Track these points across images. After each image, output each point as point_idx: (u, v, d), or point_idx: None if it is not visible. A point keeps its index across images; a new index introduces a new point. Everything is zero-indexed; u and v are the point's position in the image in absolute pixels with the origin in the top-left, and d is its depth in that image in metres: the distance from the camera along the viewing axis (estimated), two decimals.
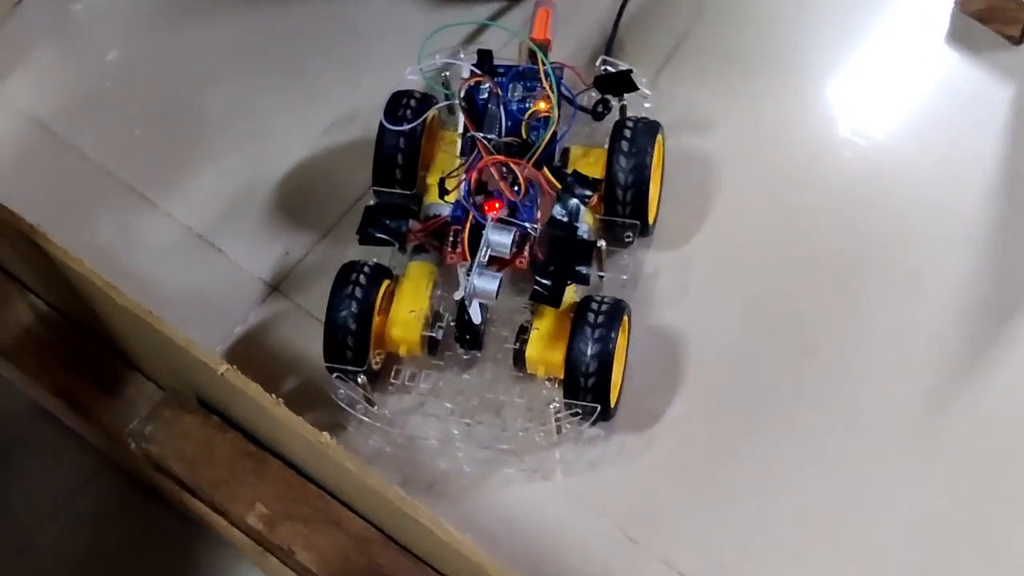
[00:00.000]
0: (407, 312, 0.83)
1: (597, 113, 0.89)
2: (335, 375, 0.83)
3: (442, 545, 0.74)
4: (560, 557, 0.82)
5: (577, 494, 0.83)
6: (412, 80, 0.90)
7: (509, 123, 0.86)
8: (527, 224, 0.83)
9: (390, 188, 0.87)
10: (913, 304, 0.89)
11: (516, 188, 0.83)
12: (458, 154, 0.87)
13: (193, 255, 0.94)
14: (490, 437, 0.84)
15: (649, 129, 0.87)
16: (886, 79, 0.97)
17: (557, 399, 0.83)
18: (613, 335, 0.81)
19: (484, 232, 0.81)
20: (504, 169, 0.84)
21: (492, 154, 0.84)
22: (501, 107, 0.86)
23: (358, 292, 0.82)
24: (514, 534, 0.82)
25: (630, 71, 0.88)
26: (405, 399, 0.86)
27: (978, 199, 0.93)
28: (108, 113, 1.00)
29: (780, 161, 0.95)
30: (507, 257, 0.82)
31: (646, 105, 0.90)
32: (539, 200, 0.84)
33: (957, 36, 0.98)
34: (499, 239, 0.82)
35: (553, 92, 0.86)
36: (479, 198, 0.83)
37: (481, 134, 0.85)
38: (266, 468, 0.82)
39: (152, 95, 1.00)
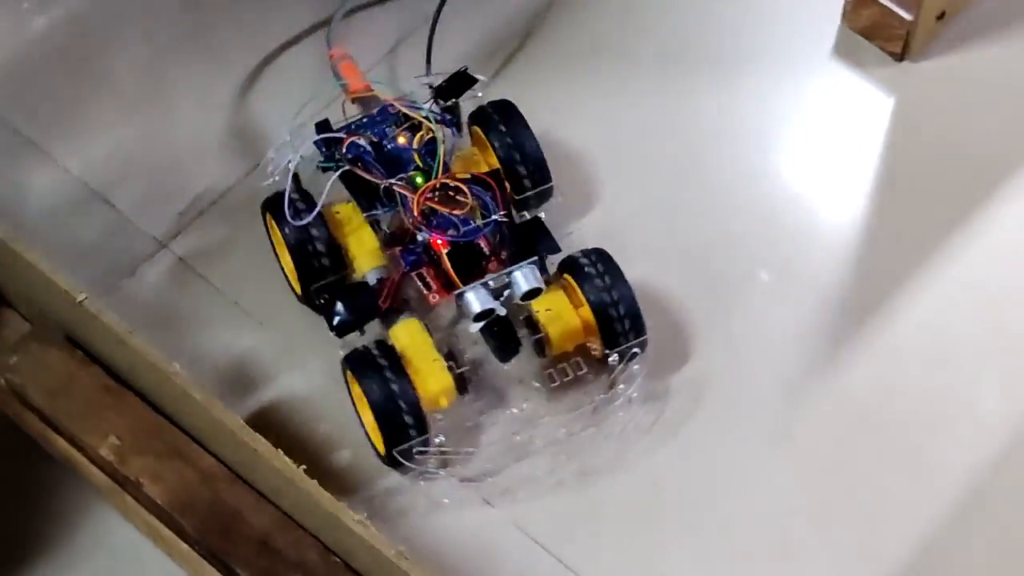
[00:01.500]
0: (430, 363, 0.81)
1: (452, 121, 0.89)
2: (404, 458, 0.82)
3: (283, 479, 0.76)
4: None
5: None
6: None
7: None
8: (496, 217, 0.83)
9: (323, 280, 0.85)
10: (777, 300, 0.91)
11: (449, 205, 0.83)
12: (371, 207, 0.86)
13: (86, 209, 0.97)
14: (591, 443, 0.85)
15: (505, 106, 0.90)
16: (772, 88, 1.00)
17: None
18: (617, 270, 0.83)
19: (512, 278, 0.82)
20: (436, 194, 0.83)
21: (415, 188, 0.83)
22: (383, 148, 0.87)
23: (387, 371, 0.80)
24: None
25: (464, 68, 0.89)
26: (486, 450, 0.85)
27: (849, 205, 0.96)
28: (13, 68, 1.03)
29: (663, 158, 0.97)
30: (539, 287, 0.82)
31: (479, 95, 0.91)
32: (494, 194, 0.84)
33: (842, 50, 1.01)
34: (526, 279, 0.83)
35: (429, 120, 0.86)
36: (423, 236, 0.83)
37: (389, 180, 0.84)
38: (124, 403, 0.84)
39: (59, 53, 1.03)
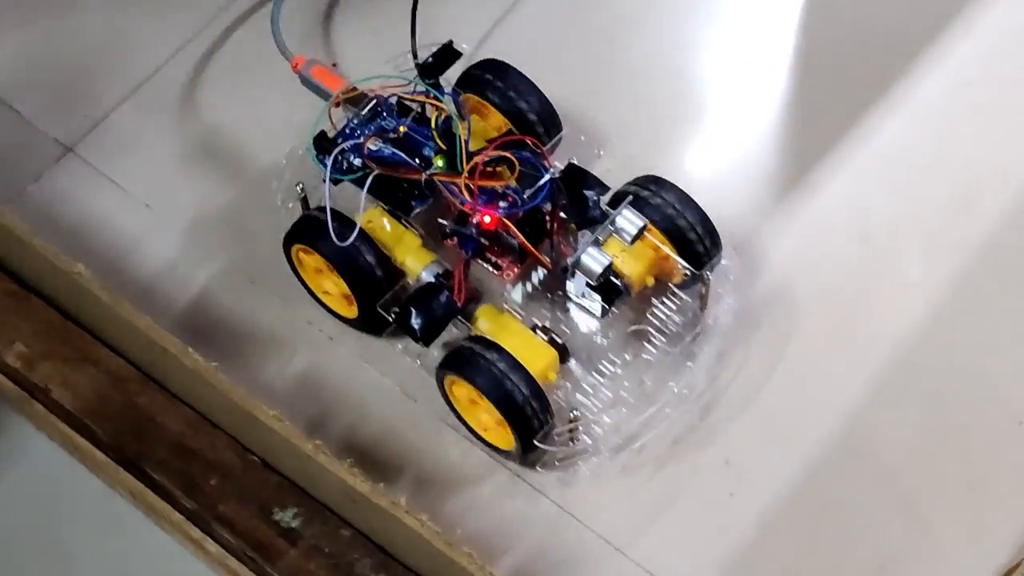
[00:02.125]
0: (528, 341, 0.78)
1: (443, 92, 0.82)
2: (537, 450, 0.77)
3: (196, 378, 0.74)
4: None
5: None
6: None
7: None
8: (548, 174, 0.78)
9: (384, 296, 0.80)
10: (695, 178, 0.88)
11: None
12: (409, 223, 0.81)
13: None
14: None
15: (494, 64, 0.85)
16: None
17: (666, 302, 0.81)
18: (676, 189, 0.80)
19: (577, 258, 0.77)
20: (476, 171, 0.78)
21: (458, 172, 0.78)
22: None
23: (498, 363, 0.75)
24: None
25: (449, 42, 0.84)
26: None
27: (766, 81, 0.95)
28: None
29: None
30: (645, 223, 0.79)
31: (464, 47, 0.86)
32: (538, 152, 0.80)
33: None
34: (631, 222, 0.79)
35: (437, 98, 0.80)
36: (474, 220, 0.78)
37: (429, 171, 0.79)
38: (29, 308, 0.81)
39: None
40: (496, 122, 0.85)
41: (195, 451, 0.76)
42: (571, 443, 0.78)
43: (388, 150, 0.80)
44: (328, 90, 0.85)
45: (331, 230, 0.78)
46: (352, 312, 0.83)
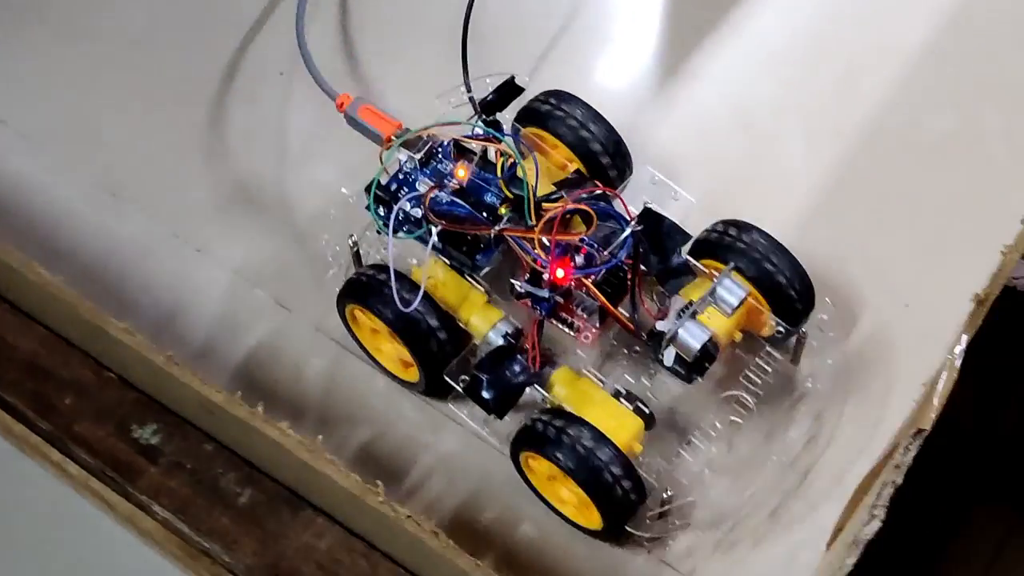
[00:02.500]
0: (611, 409, 0.71)
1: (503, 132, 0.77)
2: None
3: (44, 294, 0.70)
4: None
5: None
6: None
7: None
8: (629, 227, 0.71)
9: (450, 361, 0.73)
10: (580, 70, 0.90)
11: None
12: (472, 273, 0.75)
13: None
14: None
15: (555, 93, 0.79)
16: None
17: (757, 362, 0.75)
18: (763, 233, 0.73)
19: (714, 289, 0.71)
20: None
21: (527, 224, 0.71)
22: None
23: (582, 440, 0.68)
24: None
25: (512, 77, 0.78)
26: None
27: None
28: None
29: None
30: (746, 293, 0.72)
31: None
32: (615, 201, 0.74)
33: None
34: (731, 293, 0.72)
35: (501, 140, 0.74)
36: (546, 277, 0.71)
37: (499, 225, 0.72)
38: None
39: None
40: (559, 159, 0.79)
41: (48, 370, 0.73)
42: (667, 524, 0.71)
43: (448, 199, 0.73)
44: (379, 132, 0.78)
45: (394, 292, 0.71)
46: (412, 376, 0.76)
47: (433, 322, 0.73)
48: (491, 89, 0.78)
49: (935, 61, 0.89)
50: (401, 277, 0.73)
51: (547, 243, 0.71)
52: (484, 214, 0.73)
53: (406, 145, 0.76)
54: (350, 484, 0.64)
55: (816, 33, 0.90)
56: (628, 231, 0.71)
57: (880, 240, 0.82)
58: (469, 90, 0.81)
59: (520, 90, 0.78)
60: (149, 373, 0.69)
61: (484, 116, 0.77)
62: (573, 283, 0.71)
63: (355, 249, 0.76)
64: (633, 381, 0.74)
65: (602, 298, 0.71)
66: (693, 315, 0.71)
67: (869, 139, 0.85)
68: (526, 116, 0.80)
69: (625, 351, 0.76)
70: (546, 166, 0.78)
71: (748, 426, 0.74)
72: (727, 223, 0.75)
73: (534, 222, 0.72)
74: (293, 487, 0.69)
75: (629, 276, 0.73)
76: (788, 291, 0.73)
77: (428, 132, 0.76)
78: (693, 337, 0.70)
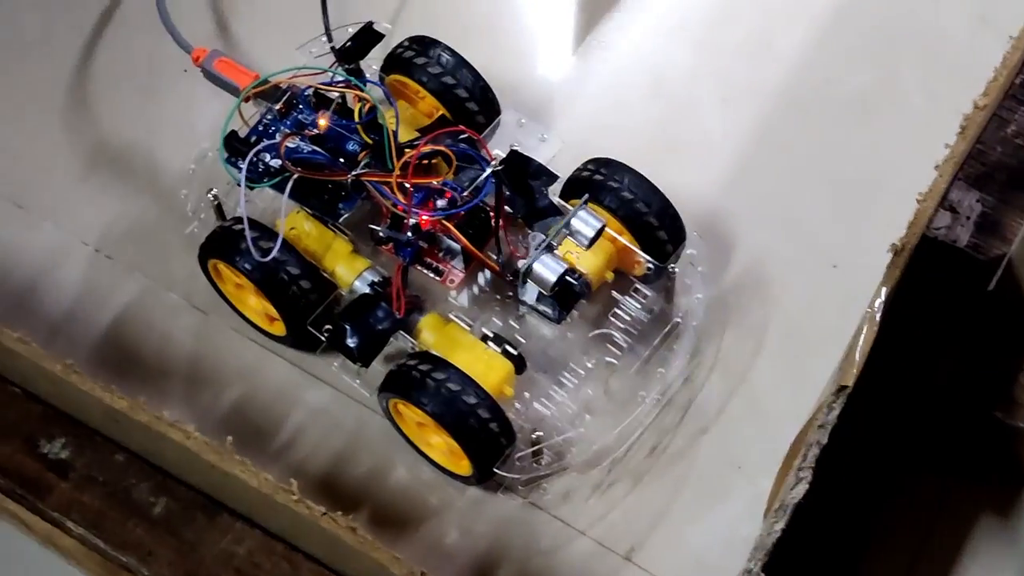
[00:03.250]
0: (480, 354, 0.70)
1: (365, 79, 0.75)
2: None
3: None
4: None
5: None
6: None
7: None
8: (489, 167, 0.70)
9: (314, 312, 0.72)
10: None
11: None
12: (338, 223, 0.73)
13: None
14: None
15: (420, 40, 0.78)
16: None
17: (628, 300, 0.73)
18: (633, 172, 0.72)
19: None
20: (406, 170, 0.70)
21: (388, 169, 0.70)
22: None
23: (447, 382, 0.67)
24: None
25: (369, 23, 0.76)
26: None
27: None
28: None
29: None
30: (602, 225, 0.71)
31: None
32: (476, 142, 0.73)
33: None
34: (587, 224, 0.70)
35: (363, 89, 0.72)
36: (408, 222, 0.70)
37: (356, 170, 0.70)
38: None
39: None
40: (427, 107, 0.77)
41: None
42: (535, 465, 0.69)
43: (308, 148, 0.72)
44: (236, 84, 0.76)
45: (249, 243, 0.69)
46: (279, 330, 0.74)
47: (294, 271, 0.71)
48: (349, 37, 0.76)
49: (847, 18, 0.87)
50: (262, 228, 0.71)
51: (407, 188, 0.69)
52: (343, 161, 0.71)
53: (265, 96, 0.74)
54: (261, 484, 0.61)
55: None
56: (488, 171, 0.70)
57: (805, 201, 0.80)
58: (330, 39, 0.79)
59: (380, 36, 0.76)
60: (50, 384, 0.66)
61: (344, 64, 0.75)
62: (436, 227, 0.70)
63: (216, 203, 0.74)
64: (501, 324, 0.73)
65: (464, 240, 0.70)
66: (548, 248, 0.69)
67: (786, 99, 0.84)
68: (391, 64, 0.78)
69: (498, 297, 0.74)
70: (410, 113, 0.77)
71: (623, 365, 0.73)
72: (597, 161, 0.74)
73: (393, 167, 0.70)
74: (208, 492, 0.67)
75: (492, 217, 0.71)
76: (656, 229, 0.72)
77: (287, 81, 0.74)
78: (548, 269, 0.69)
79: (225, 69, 0.77)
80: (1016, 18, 0.82)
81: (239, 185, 0.71)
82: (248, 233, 0.69)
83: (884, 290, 0.64)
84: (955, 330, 0.75)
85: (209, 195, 0.74)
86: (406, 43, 0.78)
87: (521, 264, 0.70)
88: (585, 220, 0.70)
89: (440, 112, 0.77)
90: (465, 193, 0.70)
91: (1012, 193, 0.75)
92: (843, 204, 0.80)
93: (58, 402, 0.69)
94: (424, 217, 0.69)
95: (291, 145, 0.72)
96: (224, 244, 0.72)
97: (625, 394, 0.73)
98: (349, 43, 0.76)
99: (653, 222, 0.72)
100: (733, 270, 0.78)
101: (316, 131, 0.72)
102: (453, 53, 0.77)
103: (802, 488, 0.60)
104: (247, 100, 0.75)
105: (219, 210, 0.75)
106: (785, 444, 0.67)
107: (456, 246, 0.71)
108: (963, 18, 0.86)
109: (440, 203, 0.70)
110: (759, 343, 0.76)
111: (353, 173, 0.70)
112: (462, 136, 0.73)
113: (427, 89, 0.77)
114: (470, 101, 0.77)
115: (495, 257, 0.72)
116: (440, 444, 0.70)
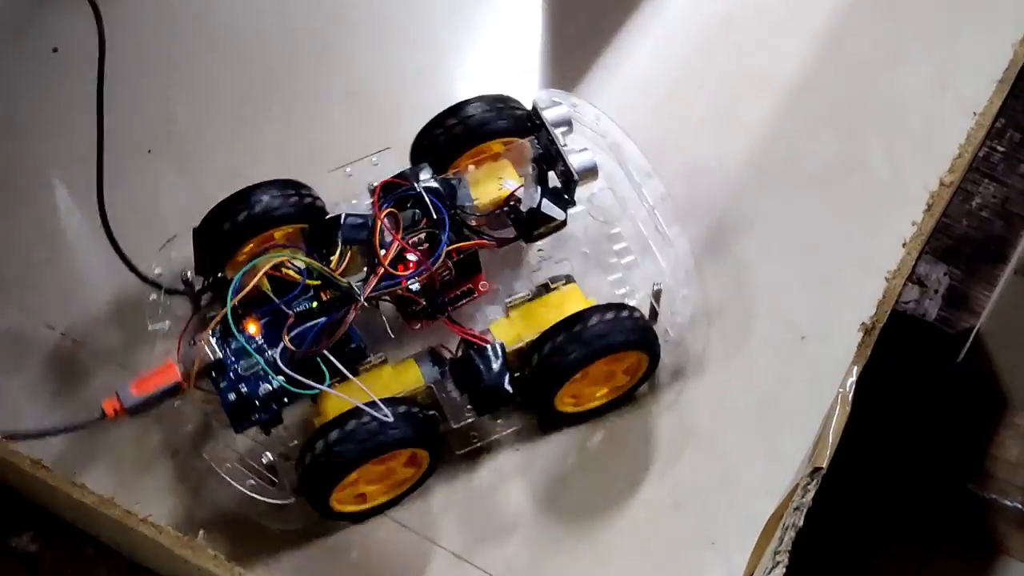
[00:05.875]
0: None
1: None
2: None
3: None
4: None
5: None
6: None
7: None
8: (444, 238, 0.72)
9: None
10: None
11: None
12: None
13: None
14: None
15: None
16: None
17: None
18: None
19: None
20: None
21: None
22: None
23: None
24: None
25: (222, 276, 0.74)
26: None
27: None
28: None
29: None
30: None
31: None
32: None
33: None
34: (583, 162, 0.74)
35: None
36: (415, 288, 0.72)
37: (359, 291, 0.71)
38: None
39: None
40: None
41: None
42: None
43: (306, 326, 0.70)
44: (167, 386, 0.69)
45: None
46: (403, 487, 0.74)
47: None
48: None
49: (813, 89, 0.87)
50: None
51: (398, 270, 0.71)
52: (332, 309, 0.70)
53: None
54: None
55: (692, 66, 0.88)
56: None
57: (770, 271, 0.80)
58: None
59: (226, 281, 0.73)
60: (18, 476, 0.66)
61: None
62: (426, 281, 0.71)
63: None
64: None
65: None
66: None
67: (752, 170, 0.84)
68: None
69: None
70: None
71: None
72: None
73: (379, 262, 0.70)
74: None
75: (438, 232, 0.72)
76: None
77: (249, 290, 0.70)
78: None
79: (145, 388, 0.69)
80: (973, 84, 0.84)
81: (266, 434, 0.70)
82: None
83: (856, 369, 0.65)
84: (926, 403, 0.76)
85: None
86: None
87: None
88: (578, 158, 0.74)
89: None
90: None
91: (978, 265, 0.76)
92: (810, 275, 0.80)
93: (28, 495, 0.69)
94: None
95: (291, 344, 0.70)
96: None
97: None
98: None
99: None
100: (699, 341, 0.77)
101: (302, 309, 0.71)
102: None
103: (779, 572, 0.60)
104: (184, 389, 0.69)
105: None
106: (758, 518, 0.68)
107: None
108: (923, 86, 0.87)
109: (411, 256, 0.71)
110: (728, 414, 0.76)
111: (361, 298, 0.70)
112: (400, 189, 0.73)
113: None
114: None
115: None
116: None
